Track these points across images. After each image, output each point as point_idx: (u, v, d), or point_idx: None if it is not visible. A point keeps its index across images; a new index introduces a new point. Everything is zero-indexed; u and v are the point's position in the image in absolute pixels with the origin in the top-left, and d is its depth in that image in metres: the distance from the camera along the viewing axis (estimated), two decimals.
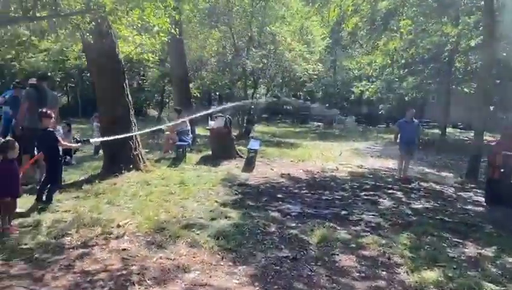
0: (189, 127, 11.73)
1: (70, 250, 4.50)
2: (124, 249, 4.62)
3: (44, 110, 6.27)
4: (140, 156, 8.69)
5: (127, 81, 8.76)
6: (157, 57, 10.14)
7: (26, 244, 4.56)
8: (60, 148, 6.27)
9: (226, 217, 5.98)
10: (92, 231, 5.08)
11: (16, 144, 4.96)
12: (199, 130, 16.30)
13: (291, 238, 5.38)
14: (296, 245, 5.13)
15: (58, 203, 6.27)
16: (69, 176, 8.32)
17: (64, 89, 26.66)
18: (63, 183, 7.71)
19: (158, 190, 7.40)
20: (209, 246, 4.85)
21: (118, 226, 5.27)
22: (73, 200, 6.64)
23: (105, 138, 7.23)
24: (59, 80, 16.86)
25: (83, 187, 7.35)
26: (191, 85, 20.96)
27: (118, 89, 8.47)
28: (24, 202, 6.25)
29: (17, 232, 4.95)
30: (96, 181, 7.71)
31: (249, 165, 10.57)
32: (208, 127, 12.25)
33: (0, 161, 4.93)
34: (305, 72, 20.24)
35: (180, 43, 15.26)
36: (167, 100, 28.56)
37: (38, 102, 7.31)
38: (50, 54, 16.02)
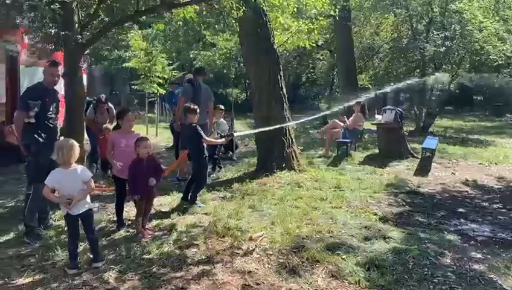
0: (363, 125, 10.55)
1: (191, 266, 3.92)
2: (250, 272, 3.83)
3: (188, 104, 5.98)
4: (294, 154, 7.93)
5: (281, 73, 8.07)
6: (316, 42, 9.27)
7: (149, 253, 4.17)
8: (205, 145, 5.89)
9: (384, 238, 4.70)
10: (221, 243, 4.46)
11: (145, 142, 4.64)
12: (366, 124, 14.83)
13: (474, 277, 3.86)
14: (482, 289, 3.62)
15: (202, 203, 5.92)
16: (227, 173, 8.09)
17: (243, 84, 27.73)
18: (217, 181, 7.49)
19: (308, 194, 6.50)
20: (355, 280, 3.71)
21: (250, 239, 4.53)
22: (218, 200, 6.25)
23: (250, 131, 6.65)
24: (233, 76, 17.54)
25: (232, 186, 6.95)
26: (362, 76, 19.51)
27: (271, 82, 7.85)
28: (171, 201, 6.11)
29: (150, 236, 4.64)
30: (247, 180, 7.23)
31: (423, 168, 8.82)
32: (374, 122, 10.82)
33: (137, 159, 4.64)
34: (501, 55, 16.70)
35: (347, 30, 14.06)
36: (337, 92, 27.54)
37: (193, 97, 7.18)
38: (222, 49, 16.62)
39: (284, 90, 8.06)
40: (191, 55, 18.35)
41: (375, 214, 5.61)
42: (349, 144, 10.13)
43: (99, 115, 7.76)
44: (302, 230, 4.84)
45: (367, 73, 20.13)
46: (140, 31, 14.12)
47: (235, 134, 6.45)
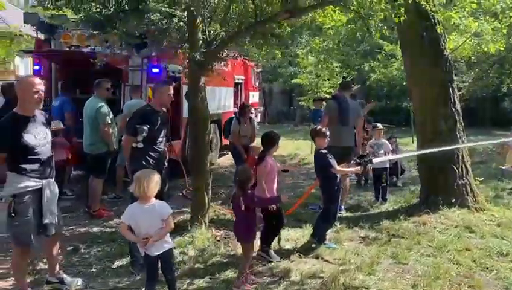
0: None
1: None
2: None
3: (316, 127, 5.14)
4: (469, 187, 6.22)
5: (454, 85, 6.50)
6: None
7: None
8: (337, 175, 4.94)
9: None
10: None
11: (247, 172, 3.95)
12: None
13: None
14: None
15: (334, 244, 4.96)
16: (383, 205, 6.89)
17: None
18: (365, 214, 6.41)
19: (481, 244, 4.90)
20: None
21: None
22: (356, 241, 5.19)
23: (396, 156, 5.39)
24: None
25: (380, 223, 5.76)
26: None
27: (439, 95, 6.37)
28: (300, 236, 5.31)
29: (252, 286, 3.92)
30: (401, 216, 5.94)
31: None
32: None
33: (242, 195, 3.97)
34: None
35: None
36: None
37: (339, 115, 6.30)
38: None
39: (458, 105, 6.45)
40: (366, 68, 17.18)
41: None
42: None
43: (243, 125, 7.49)
44: None
45: None
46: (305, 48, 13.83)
47: (374, 160, 5.26)
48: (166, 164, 4.48)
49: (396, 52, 13.34)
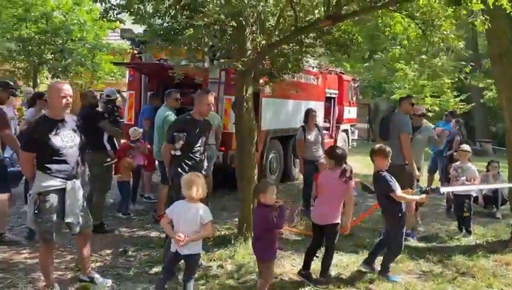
0: None
1: None
2: None
3: (375, 145, 4.63)
4: None
5: None
6: None
7: None
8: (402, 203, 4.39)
9: None
10: None
11: (270, 187, 3.67)
12: None
13: None
14: None
15: (395, 277, 4.39)
16: (466, 237, 5.97)
17: None
18: (444, 245, 5.63)
19: None
20: None
21: None
22: (411, 276, 4.54)
23: (472, 187, 4.63)
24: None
25: (452, 258, 5.01)
26: None
27: None
28: (351, 262, 4.83)
29: None
30: (480, 252, 5.12)
31: None
32: None
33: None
34: None
35: None
36: None
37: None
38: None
39: None
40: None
41: None
42: None
43: (308, 132, 7.04)
44: None
45: None
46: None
47: (441, 189, 4.52)
48: (205, 172, 4.42)
49: None
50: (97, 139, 5.60)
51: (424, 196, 4.43)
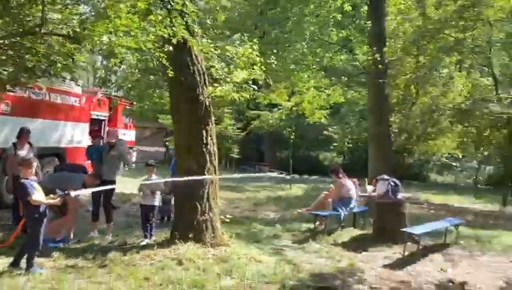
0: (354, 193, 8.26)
1: None
2: None
3: None
4: (209, 224, 6.33)
5: (211, 124, 6.63)
6: None
7: None
8: None
9: None
10: None
11: None
12: None
13: None
14: None
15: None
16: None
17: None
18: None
19: (170, 276, 5.00)
20: None
21: None
22: (56, 269, 5.10)
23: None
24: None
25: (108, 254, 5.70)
26: None
27: (195, 134, 6.50)
28: None
29: None
30: (134, 250, 5.95)
31: (411, 258, 6.49)
32: (363, 193, 8.30)
33: None
34: None
35: None
36: None
37: None
38: None
39: (214, 146, 6.63)
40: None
41: None
42: (342, 217, 7.93)
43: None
44: None
45: None
46: None
47: (72, 193, 5.26)
48: None
49: None
50: None
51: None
